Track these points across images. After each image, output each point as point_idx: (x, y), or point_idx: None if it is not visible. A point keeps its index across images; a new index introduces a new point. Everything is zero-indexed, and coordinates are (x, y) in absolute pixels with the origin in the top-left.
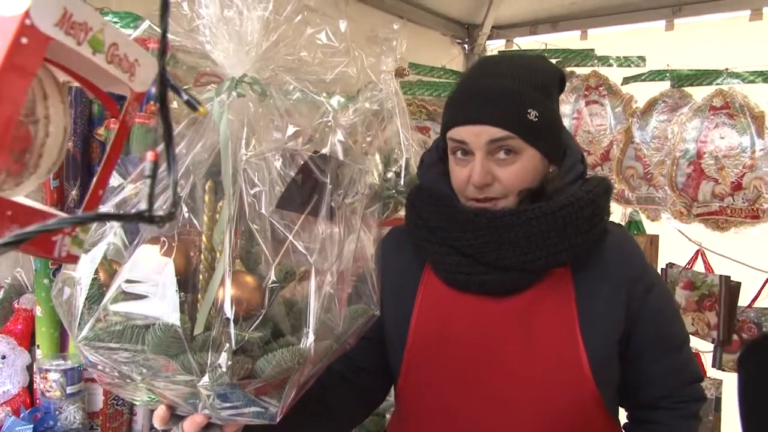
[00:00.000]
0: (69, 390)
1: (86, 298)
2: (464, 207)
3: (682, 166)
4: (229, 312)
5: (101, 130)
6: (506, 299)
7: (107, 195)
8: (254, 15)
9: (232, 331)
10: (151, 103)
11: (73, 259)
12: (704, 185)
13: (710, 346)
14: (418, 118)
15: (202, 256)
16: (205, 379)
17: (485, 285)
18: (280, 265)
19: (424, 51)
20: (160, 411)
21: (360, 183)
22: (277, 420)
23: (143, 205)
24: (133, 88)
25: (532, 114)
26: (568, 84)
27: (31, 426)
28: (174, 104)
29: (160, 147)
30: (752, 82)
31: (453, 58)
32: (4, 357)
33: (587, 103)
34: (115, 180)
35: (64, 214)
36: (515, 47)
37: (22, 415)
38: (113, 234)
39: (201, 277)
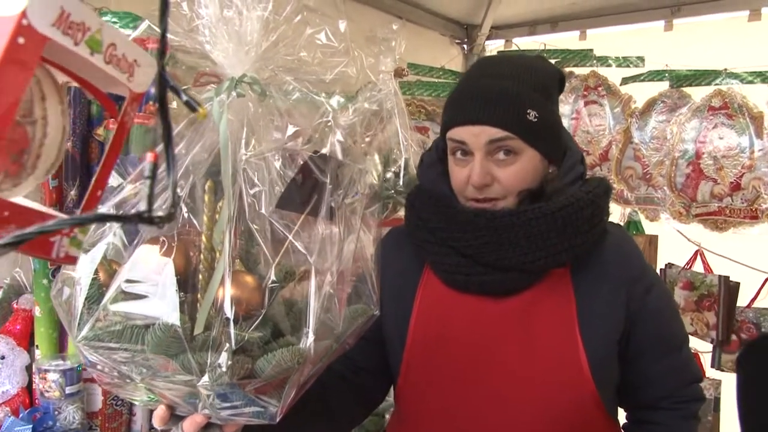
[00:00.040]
0: (68, 390)
1: (86, 298)
2: (464, 207)
3: (681, 167)
4: (228, 312)
5: (100, 131)
6: (506, 299)
7: (106, 195)
8: (254, 15)
9: (232, 330)
10: (151, 103)
11: (72, 260)
12: (703, 185)
13: (709, 347)
14: (417, 119)
15: (202, 256)
16: (205, 378)
17: (485, 285)
18: (280, 265)
19: (423, 51)
20: (160, 411)
21: (360, 183)
22: (277, 420)
23: (142, 206)
24: (132, 89)
25: (532, 114)
26: (567, 84)
27: (30, 426)
28: (173, 104)
29: (160, 147)
30: (751, 82)
31: (452, 59)
32: (3, 357)
33: (586, 104)
34: (114, 180)
35: (61, 215)
36: (514, 47)
37: (21, 415)
38: (113, 234)
39: (201, 277)
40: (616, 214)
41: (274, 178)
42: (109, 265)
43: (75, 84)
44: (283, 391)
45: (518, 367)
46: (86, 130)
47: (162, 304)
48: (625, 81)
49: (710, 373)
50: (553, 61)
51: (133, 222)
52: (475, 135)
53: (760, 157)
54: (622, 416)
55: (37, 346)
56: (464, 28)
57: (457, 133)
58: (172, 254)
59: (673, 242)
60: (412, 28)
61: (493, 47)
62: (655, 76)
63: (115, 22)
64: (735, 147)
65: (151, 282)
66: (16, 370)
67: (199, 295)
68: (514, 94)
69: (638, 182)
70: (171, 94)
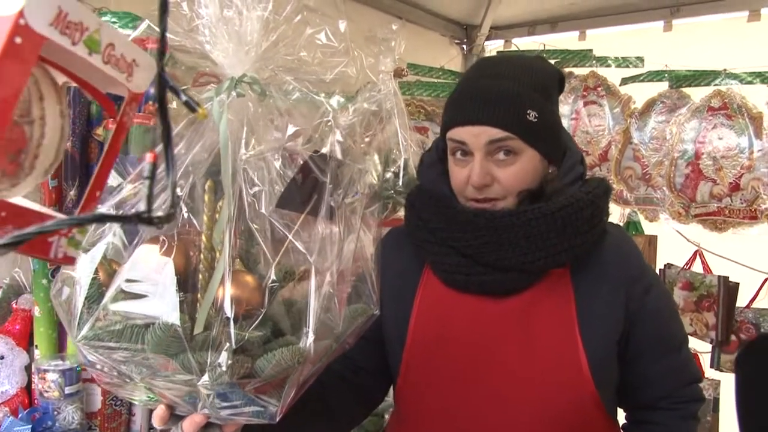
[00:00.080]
0: (67, 390)
1: (86, 298)
2: (464, 207)
3: (680, 167)
4: (228, 311)
5: (100, 130)
6: (505, 300)
7: (106, 195)
8: (254, 15)
9: (232, 330)
10: (150, 103)
11: (70, 261)
12: (702, 186)
13: (708, 347)
14: (417, 119)
15: (202, 256)
16: (205, 378)
17: (484, 285)
18: (280, 264)
19: (422, 51)
20: (160, 411)
21: (359, 183)
22: (277, 419)
23: (142, 206)
24: (131, 89)
25: (532, 115)
26: (566, 84)
27: (30, 426)
28: (173, 104)
29: (159, 147)
30: (750, 83)
31: (451, 59)
32: (2, 357)
33: (585, 104)
34: (113, 180)
35: (59, 215)
36: (514, 48)
37: (20, 415)
38: (112, 234)
39: (201, 276)
40: (616, 214)
41: (274, 178)
42: (109, 265)
43: (74, 84)
44: (283, 391)
45: (518, 368)
46: (86, 130)
47: (162, 304)
48: (625, 81)
49: (709, 373)
50: (552, 62)
51: (132, 222)
52: (475, 135)
53: (760, 157)
54: (621, 416)
55: (36, 346)
56: (464, 28)
57: (457, 133)
58: (172, 254)
59: (673, 242)
60: (411, 28)
61: (493, 47)
62: (655, 76)
63: (114, 22)
64: (734, 147)
65: (151, 281)
66: (15, 370)
67: (199, 295)
68: (514, 95)
69: (637, 182)
70: (170, 94)
